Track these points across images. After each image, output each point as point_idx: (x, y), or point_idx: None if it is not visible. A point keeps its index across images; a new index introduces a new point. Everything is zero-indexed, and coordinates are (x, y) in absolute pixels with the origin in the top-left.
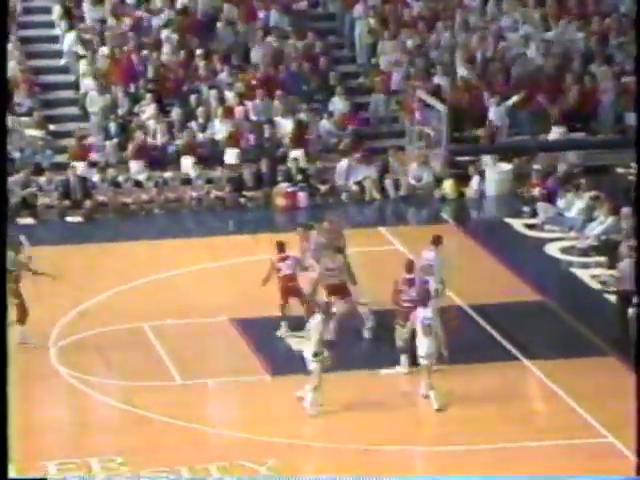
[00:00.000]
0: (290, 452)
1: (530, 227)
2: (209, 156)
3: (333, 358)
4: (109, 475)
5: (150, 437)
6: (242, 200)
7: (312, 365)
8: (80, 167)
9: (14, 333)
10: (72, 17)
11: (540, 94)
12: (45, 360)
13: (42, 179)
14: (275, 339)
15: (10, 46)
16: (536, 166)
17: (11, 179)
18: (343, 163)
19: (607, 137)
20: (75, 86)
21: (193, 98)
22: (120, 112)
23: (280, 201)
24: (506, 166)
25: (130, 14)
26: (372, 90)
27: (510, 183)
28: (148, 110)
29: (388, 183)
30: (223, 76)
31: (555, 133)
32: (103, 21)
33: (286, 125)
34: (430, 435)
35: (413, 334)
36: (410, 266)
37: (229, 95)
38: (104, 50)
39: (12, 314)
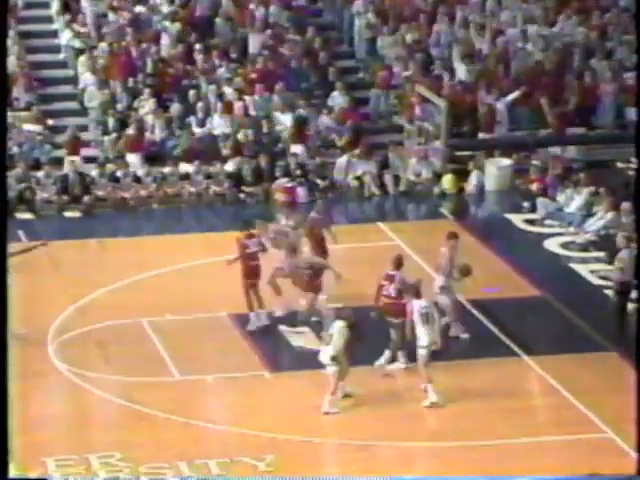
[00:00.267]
0: (289, 448)
1: (529, 222)
2: (208, 151)
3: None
4: (109, 476)
5: (149, 433)
6: (241, 196)
7: (330, 369)
8: (77, 161)
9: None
10: (71, 12)
11: (540, 90)
12: (44, 356)
13: (40, 174)
14: (274, 335)
15: (9, 41)
16: (535, 162)
17: (8, 174)
18: (342, 159)
19: (607, 132)
20: (74, 81)
21: (192, 93)
22: (119, 107)
23: (279, 196)
24: (506, 161)
25: (129, 9)
26: (371, 85)
27: (509, 178)
28: (147, 105)
29: (387, 178)
30: (222, 71)
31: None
32: (102, 15)
33: (285, 120)
34: (429, 431)
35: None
36: (396, 262)
37: (228, 90)
38: (103, 45)
39: None
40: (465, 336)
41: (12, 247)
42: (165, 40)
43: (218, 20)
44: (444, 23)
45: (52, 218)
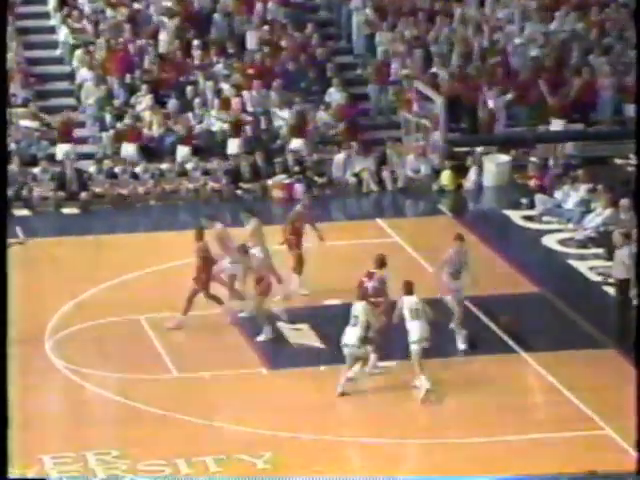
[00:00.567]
0: (287, 445)
1: (528, 219)
2: (206, 147)
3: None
4: (109, 475)
5: (147, 430)
6: (239, 192)
7: (358, 351)
8: (69, 149)
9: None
10: (68, 8)
11: (539, 86)
12: (41, 353)
13: (37, 170)
14: (273, 332)
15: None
16: (533, 158)
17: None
18: (341, 155)
19: (606, 128)
20: (71, 77)
21: (189, 89)
22: (116, 103)
23: (277, 193)
24: (504, 157)
25: (126, 4)
26: (369, 81)
27: (508, 175)
28: (144, 101)
29: (386, 175)
30: (219, 67)
31: (555, 125)
32: (99, 11)
33: (283, 116)
34: (427, 428)
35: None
36: (379, 261)
37: (225, 86)
38: (100, 41)
39: None
40: (463, 347)
41: None
42: (163, 36)
43: (216, 15)
44: (443, 20)
45: (49, 215)
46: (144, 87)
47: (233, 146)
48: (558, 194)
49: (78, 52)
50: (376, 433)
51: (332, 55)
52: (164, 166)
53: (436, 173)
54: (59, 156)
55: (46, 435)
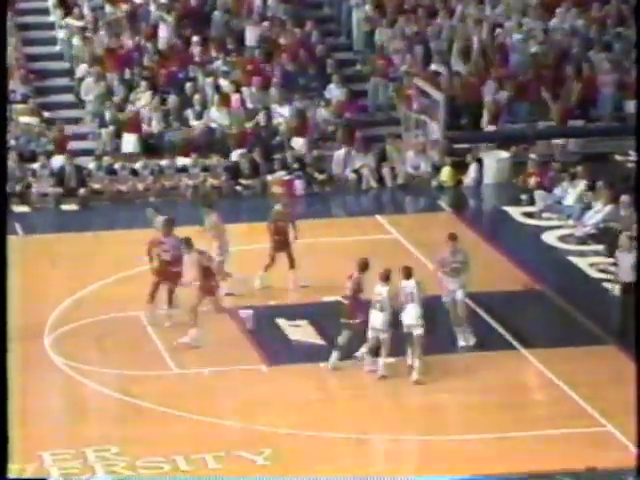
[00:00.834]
0: (287, 442)
1: (528, 215)
2: (205, 144)
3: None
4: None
5: (146, 427)
6: (238, 188)
7: (384, 335)
8: (62, 160)
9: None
10: (67, 4)
11: (538, 82)
12: (40, 349)
13: (36, 165)
14: (272, 328)
15: None
16: (532, 155)
17: None
18: (341, 152)
19: (606, 125)
20: (70, 73)
21: (189, 86)
22: (115, 100)
23: (276, 189)
24: (504, 154)
25: (126, 0)
26: (369, 78)
27: (508, 171)
28: (143, 98)
29: (385, 171)
30: (219, 64)
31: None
32: (99, 8)
33: (282, 113)
34: (426, 424)
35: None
36: (361, 265)
37: (225, 83)
38: (99, 37)
39: None
40: (463, 344)
41: None
42: (162, 32)
43: (215, 12)
44: (443, 16)
45: (48, 211)
46: (143, 83)
47: (236, 154)
48: (558, 190)
49: (77, 49)
50: (376, 430)
51: (332, 51)
52: (163, 162)
53: (436, 169)
54: (53, 165)
55: (45, 431)
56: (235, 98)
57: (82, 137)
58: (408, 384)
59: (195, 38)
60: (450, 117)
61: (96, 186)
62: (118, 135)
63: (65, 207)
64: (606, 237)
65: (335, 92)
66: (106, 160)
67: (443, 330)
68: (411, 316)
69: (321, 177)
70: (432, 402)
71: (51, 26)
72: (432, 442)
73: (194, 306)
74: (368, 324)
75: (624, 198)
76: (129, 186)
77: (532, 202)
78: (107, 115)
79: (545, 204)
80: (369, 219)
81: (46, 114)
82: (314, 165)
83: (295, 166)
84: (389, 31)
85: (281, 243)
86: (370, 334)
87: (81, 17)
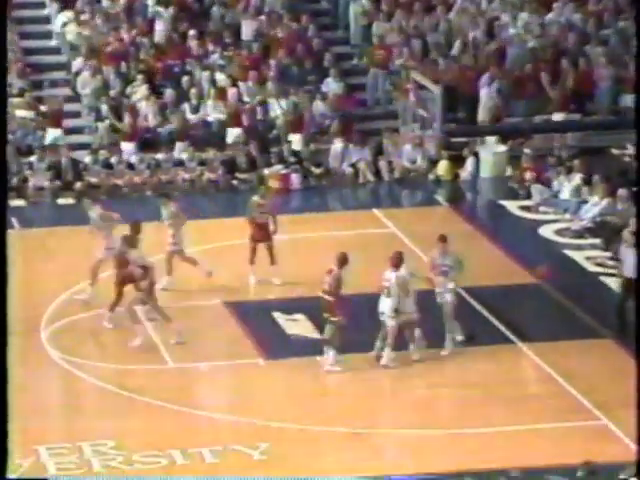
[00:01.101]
0: (284, 436)
1: (524, 209)
2: (202, 138)
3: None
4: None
5: (142, 421)
6: (235, 182)
7: (391, 322)
8: (56, 134)
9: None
10: None
11: (536, 76)
12: (37, 343)
13: (33, 158)
14: (269, 322)
15: None
16: (526, 150)
17: None
18: (337, 146)
19: (602, 118)
20: (66, 67)
21: (185, 80)
22: (112, 93)
23: (273, 183)
24: (501, 147)
25: None
26: (366, 72)
27: (505, 165)
28: (140, 91)
29: (382, 165)
30: (215, 57)
31: (555, 117)
32: (95, 1)
33: (279, 107)
34: (423, 418)
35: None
36: (340, 259)
37: (221, 77)
38: (96, 31)
39: None
40: (446, 353)
41: None
42: (159, 26)
43: (212, 6)
44: (440, 10)
45: (44, 205)
46: (140, 77)
47: (231, 136)
48: (554, 184)
49: (73, 42)
50: (373, 423)
51: (329, 45)
52: (160, 156)
53: (433, 163)
54: (47, 140)
55: (42, 426)
56: (232, 92)
57: (79, 131)
58: (405, 378)
59: (192, 32)
60: (447, 110)
61: (92, 180)
62: (114, 129)
63: (61, 201)
64: (603, 231)
65: (332, 86)
66: (102, 154)
67: (439, 324)
68: (386, 306)
69: (318, 171)
70: (429, 396)
71: (47, 19)
72: (429, 436)
73: (133, 306)
74: (348, 320)
75: (621, 192)
76: (125, 180)
77: (529, 196)
78: (103, 109)
79: (542, 198)
80: (366, 213)
81: (42, 108)
82: (311, 159)
83: (292, 160)
84: (386, 25)
85: (259, 235)
86: (381, 319)
87: (77, 10)
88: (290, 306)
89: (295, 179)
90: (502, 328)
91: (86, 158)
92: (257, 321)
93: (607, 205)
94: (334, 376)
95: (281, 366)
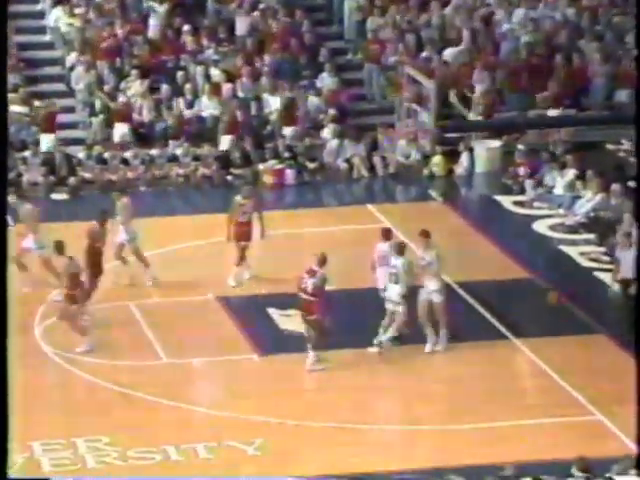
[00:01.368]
0: (278, 431)
1: (519, 204)
2: (196, 133)
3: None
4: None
5: (137, 417)
6: (229, 178)
7: (400, 307)
8: (49, 138)
9: None
10: None
11: (530, 71)
12: (31, 339)
13: (27, 153)
14: (263, 318)
15: None
16: (520, 146)
17: None
18: (332, 141)
19: (597, 113)
20: (60, 62)
21: (180, 75)
22: (106, 89)
23: (268, 179)
24: (495, 143)
25: None
26: (361, 67)
27: (499, 160)
28: (134, 87)
29: (376, 160)
30: (210, 53)
31: (550, 112)
32: None
33: (274, 102)
34: (417, 414)
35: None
36: (321, 259)
37: (215, 72)
38: (90, 25)
39: None
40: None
41: None
42: (153, 21)
43: (207, 1)
44: (434, 5)
45: (38, 200)
46: (134, 72)
47: (225, 140)
48: (548, 179)
49: (68, 37)
50: (367, 419)
51: (323, 40)
52: (154, 152)
53: (427, 158)
54: (43, 147)
55: (36, 421)
56: (226, 87)
57: (73, 126)
58: (398, 373)
59: (186, 27)
60: (441, 106)
61: (87, 175)
62: (109, 124)
63: (55, 196)
64: (597, 226)
65: (327, 81)
66: (97, 149)
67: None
68: (393, 292)
69: (312, 166)
70: (423, 391)
71: (41, 14)
72: (423, 431)
73: (74, 314)
74: (327, 320)
75: (615, 187)
76: (120, 175)
77: (523, 191)
78: (97, 104)
79: (536, 193)
80: (360, 208)
81: (36, 103)
82: (305, 154)
83: (286, 155)
84: (381, 20)
85: (238, 234)
86: (386, 307)
87: (72, 5)
88: (284, 301)
89: (289, 174)
90: (496, 323)
91: (80, 153)
92: (251, 316)
93: (601, 200)
94: (328, 372)
95: (275, 361)
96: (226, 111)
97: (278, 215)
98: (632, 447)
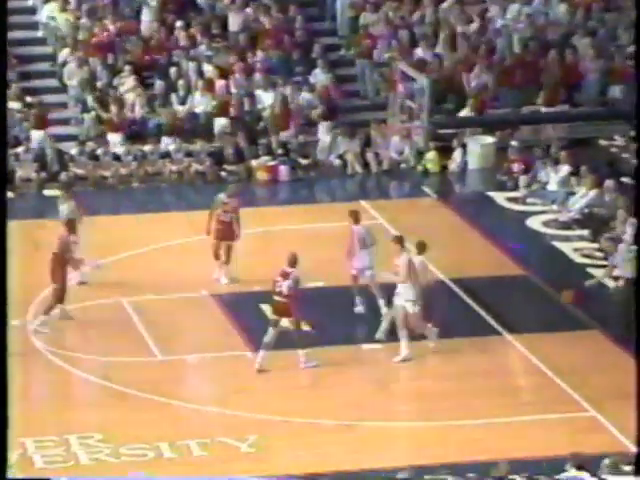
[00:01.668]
0: (271, 428)
1: (512, 200)
2: (189, 129)
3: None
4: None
5: (130, 413)
6: (223, 174)
7: (415, 309)
8: (40, 134)
9: None
10: None
11: (523, 67)
12: (23, 336)
13: (20, 149)
14: (256, 315)
15: None
16: (513, 142)
17: None
18: (326, 137)
19: (591, 110)
20: (53, 58)
21: (173, 71)
22: (98, 85)
23: (261, 175)
24: (489, 139)
25: None
26: (354, 62)
27: (493, 156)
28: (127, 83)
29: (370, 157)
30: (203, 49)
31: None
32: None
33: (267, 99)
34: (411, 410)
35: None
36: (291, 260)
37: (209, 68)
38: (82, 21)
39: None
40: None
41: None
42: (145, 17)
43: None
44: (428, 2)
45: (31, 196)
46: (127, 68)
47: (219, 125)
48: (542, 176)
49: (60, 33)
50: (361, 416)
51: (317, 36)
52: (147, 148)
53: (420, 154)
54: (33, 144)
55: (28, 418)
56: (220, 84)
57: (65, 122)
58: (393, 370)
59: (179, 23)
60: (435, 102)
61: (79, 171)
62: (101, 121)
63: (48, 193)
64: (590, 222)
65: (320, 77)
66: (89, 145)
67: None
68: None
69: (306, 162)
70: (418, 388)
71: (33, 10)
72: (418, 428)
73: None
74: (304, 319)
75: (608, 183)
76: (112, 171)
77: (516, 187)
78: (90, 100)
79: (529, 189)
80: (353, 204)
81: (29, 99)
82: (299, 150)
83: (280, 151)
84: (374, 16)
85: (221, 232)
86: (395, 303)
87: (63, 1)
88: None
89: (283, 171)
90: (490, 320)
91: (72, 149)
92: (245, 313)
93: (595, 196)
94: (322, 369)
95: (269, 358)
96: (219, 102)
97: (272, 211)
98: (626, 443)
